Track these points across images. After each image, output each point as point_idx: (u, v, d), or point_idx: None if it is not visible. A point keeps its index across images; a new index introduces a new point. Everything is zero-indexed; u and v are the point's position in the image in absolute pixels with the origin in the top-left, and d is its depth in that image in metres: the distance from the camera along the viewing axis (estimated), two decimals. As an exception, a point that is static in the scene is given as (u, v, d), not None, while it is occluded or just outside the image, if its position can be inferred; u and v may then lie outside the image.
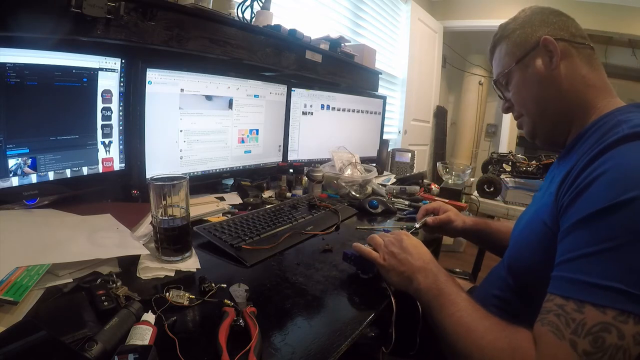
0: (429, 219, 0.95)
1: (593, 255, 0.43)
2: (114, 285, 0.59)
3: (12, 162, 0.74)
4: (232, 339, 0.49)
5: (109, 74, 0.88)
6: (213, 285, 0.62)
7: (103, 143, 0.91)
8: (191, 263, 0.70)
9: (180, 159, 1.08)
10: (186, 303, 0.57)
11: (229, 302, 0.57)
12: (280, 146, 1.46)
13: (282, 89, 1.40)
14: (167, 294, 0.58)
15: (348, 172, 1.37)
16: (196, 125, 1.10)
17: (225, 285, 0.63)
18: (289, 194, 1.30)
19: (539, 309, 0.49)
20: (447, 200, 1.28)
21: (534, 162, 1.86)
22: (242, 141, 1.28)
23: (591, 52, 0.64)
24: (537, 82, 0.65)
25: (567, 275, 0.45)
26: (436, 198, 1.31)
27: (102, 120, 0.89)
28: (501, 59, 0.71)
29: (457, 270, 1.17)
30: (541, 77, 0.64)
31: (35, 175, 0.78)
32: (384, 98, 2.06)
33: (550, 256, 0.50)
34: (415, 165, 2.11)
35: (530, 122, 0.69)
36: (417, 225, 0.95)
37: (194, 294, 0.59)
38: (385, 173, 1.93)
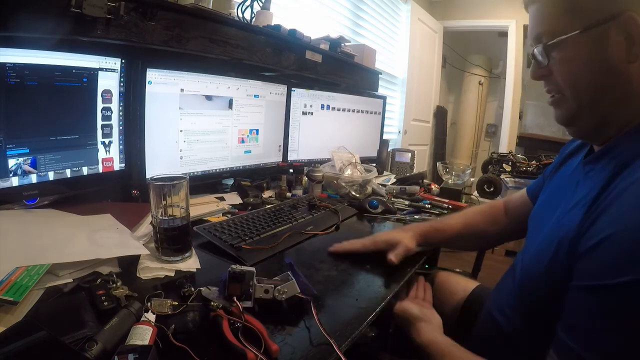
0: (393, 258, 0.78)
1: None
2: (114, 285, 0.59)
3: (12, 162, 0.74)
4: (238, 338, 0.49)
5: (109, 74, 0.88)
6: (192, 289, 0.59)
7: (103, 143, 0.91)
8: (191, 263, 0.70)
9: (180, 159, 1.08)
10: (170, 312, 0.54)
11: (214, 303, 0.55)
12: (280, 146, 1.46)
13: (282, 89, 1.40)
14: (149, 303, 0.55)
15: (348, 172, 1.37)
16: (196, 125, 1.10)
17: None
18: (289, 194, 1.30)
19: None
20: (447, 201, 1.28)
21: (534, 162, 1.86)
22: (242, 141, 1.28)
23: None
24: (603, 70, 0.50)
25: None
26: (436, 198, 1.31)
27: (102, 120, 0.89)
28: (558, 12, 0.52)
29: (457, 270, 1.16)
30: (609, 65, 0.49)
31: (35, 175, 0.78)
32: (384, 98, 2.06)
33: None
34: (415, 165, 2.11)
35: (575, 108, 0.54)
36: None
37: (176, 300, 0.57)
38: (385, 173, 1.93)
